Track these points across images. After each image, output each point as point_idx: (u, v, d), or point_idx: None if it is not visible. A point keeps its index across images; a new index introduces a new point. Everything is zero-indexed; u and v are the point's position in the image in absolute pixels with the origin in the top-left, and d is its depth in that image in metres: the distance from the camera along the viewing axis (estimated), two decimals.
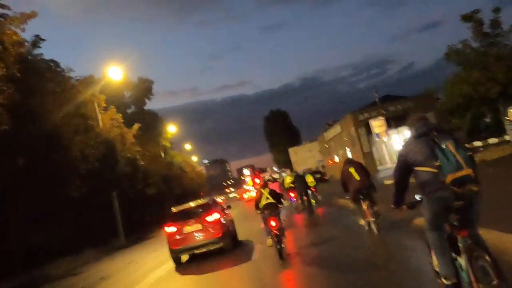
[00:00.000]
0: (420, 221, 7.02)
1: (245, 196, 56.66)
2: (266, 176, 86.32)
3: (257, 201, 10.02)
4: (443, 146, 3.63)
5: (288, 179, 19.65)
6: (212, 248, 12.56)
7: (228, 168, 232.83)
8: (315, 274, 7.41)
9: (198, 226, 12.40)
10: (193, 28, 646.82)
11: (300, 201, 17.35)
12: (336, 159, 37.38)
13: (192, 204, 13.53)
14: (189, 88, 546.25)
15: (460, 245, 3.77)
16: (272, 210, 9.59)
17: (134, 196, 36.01)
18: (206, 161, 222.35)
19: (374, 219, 8.99)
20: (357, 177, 9.14)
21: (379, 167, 28.67)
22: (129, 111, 53.70)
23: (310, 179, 19.19)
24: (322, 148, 43.44)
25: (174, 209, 13.53)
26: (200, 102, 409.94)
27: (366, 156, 28.68)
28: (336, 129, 34.99)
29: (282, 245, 9.03)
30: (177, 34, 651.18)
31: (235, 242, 13.76)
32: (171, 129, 51.78)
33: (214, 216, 12.56)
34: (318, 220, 15.31)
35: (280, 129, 62.84)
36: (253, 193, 72.74)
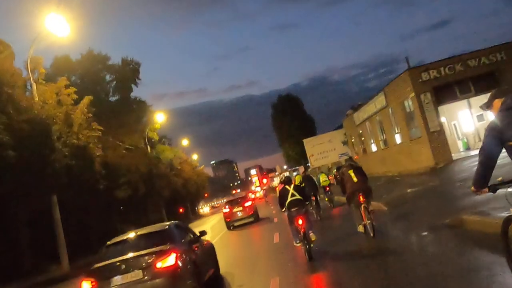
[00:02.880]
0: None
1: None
2: (275, 179, 79.30)
3: (282, 198, 9.40)
4: None
5: (297, 179, 17.93)
6: (247, 221, 22.29)
7: (235, 169, 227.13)
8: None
9: (240, 208, 22.37)
10: (201, 28, 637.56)
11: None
12: (374, 148, 27.89)
13: (235, 196, 26.01)
14: (198, 89, 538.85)
15: None
16: (299, 207, 9.06)
17: (94, 201, 26.54)
18: (213, 162, 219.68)
19: (370, 221, 8.95)
20: (354, 179, 9.17)
21: (453, 155, 18.48)
22: (113, 99, 45.00)
23: (323, 178, 18.67)
24: (350, 135, 33.06)
25: (226, 199, 28.49)
26: (208, 103, 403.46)
27: (434, 138, 17.77)
28: (377, 103, 23.44)
29: (312, 245, 8.73)
30: (184, 34, 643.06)
31: (258, 218, 23.06)
32: (159, 118, 42.02)
33: (248, 203, 22.80)
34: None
35: (291, 118, 51.65)
36: (258, 194, 65.99)
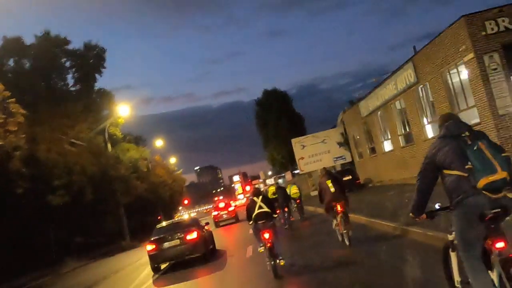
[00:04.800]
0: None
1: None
2: (260, 186, 73.82)
3: (249, 211, 9.09)
4: (475, 147, 3.30)
5: (271, 190, 18.39)
6: (230, 221, 29.85)
7: (220, 175, 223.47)
8: None
9: (225, 212, 30.26)
10: (191, 33, 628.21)
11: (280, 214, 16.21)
12: (387, 146, 21.11)
13: (223, 202, 34.43)
14: (186, 94, 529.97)
15: (493, 258, 3.35)
16: (266, 220, 8.76)
17: (10, 209, 19.86)
18: (197, 168, 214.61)
19: (346, 231, 9.16)
20: (332, 189, 9.32)
21: None
22: (73, 89, 38.04)
23: (294, 190, 18.26)
24: (352, 131, 26.43)
25: (215, 203, 39.00)
26: (197, 108, 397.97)
27: (504, 124, 11.49)
28: (399, 81, 16.94)
29: (278, 261, 8.26)
30: (175, 38, 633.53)
31: (238, 219, 29.68)
32: (123, 111, 35.16)
33: (231, 208, 31.32)
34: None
35: (278, 115, 44.56)
36: (238, 202, 61.94)
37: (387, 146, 21.01)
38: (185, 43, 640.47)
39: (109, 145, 34.45)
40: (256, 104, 47.60)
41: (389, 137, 20.26)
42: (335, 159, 33.18)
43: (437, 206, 3.77)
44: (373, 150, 23.37)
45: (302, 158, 33.90)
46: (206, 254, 12.95)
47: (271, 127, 44.23)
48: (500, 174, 3.17)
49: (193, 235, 12.61)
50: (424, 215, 3.75)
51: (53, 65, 36.76)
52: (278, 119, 43.65)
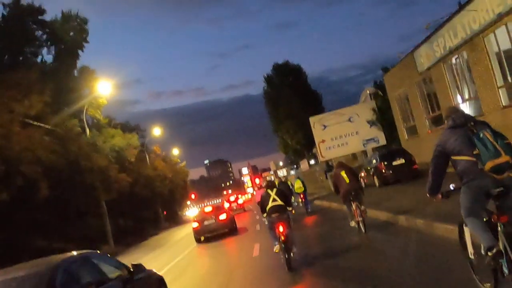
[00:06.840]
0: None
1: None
2: (272, 178, 67.95)
3: (263, 203, 8.95)
4: (481, 135, 3.70)
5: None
6: (239, 211, 37.15)
7: (230, 169, 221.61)
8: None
9: (236, 204, 39.99)
10: (200, 25, 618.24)
11: None
12: (467, 109, 12.86)
13: (233, 195, 46.16)
14: (195, 88, 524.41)
15: (499, 230, 3.72)
16: (280, 213, 8.63)
17: None
18: (206, 161, 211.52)
19: (361, 219, 9.48)
20: (347, 180, 9.67)
21: None
22: (51, 64, 32.52)
23: (297, 185, 18.51)
24: (402, 96, 19.18)
25: (226, 197, 58.90)
26: (207, 102, 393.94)
27: None
28: None
29: (292, 255, 8.21)
30: (184, 32, 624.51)
31: (245, 210, 38.70)
32: (103, 88, 28.73)
33: (241, 201, 41.98)
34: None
35: (291, 93, 36.93)
36: (245, 197, 57.54)
37: (468, 109, 13.83)
38: (193, 37, 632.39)
39: (87, 130, 28.27)
40: (265, 81, 40.51)
41: (475, 94, 13.02)
42: (366, 142, 26.46)
43: (451, 187, 4.07)
44: (436, 120, 16.19)
45: (323, 141, 27.05)
46: (231, 229, 18.51)
47: (282, 106, 36.99)
48: (504, 158, 3.61)
49: (223, 216, 18.33)
50: (439, 195, 4.12)
51: (24, 37, 31.22)
52: (291, 97, 36.41)
